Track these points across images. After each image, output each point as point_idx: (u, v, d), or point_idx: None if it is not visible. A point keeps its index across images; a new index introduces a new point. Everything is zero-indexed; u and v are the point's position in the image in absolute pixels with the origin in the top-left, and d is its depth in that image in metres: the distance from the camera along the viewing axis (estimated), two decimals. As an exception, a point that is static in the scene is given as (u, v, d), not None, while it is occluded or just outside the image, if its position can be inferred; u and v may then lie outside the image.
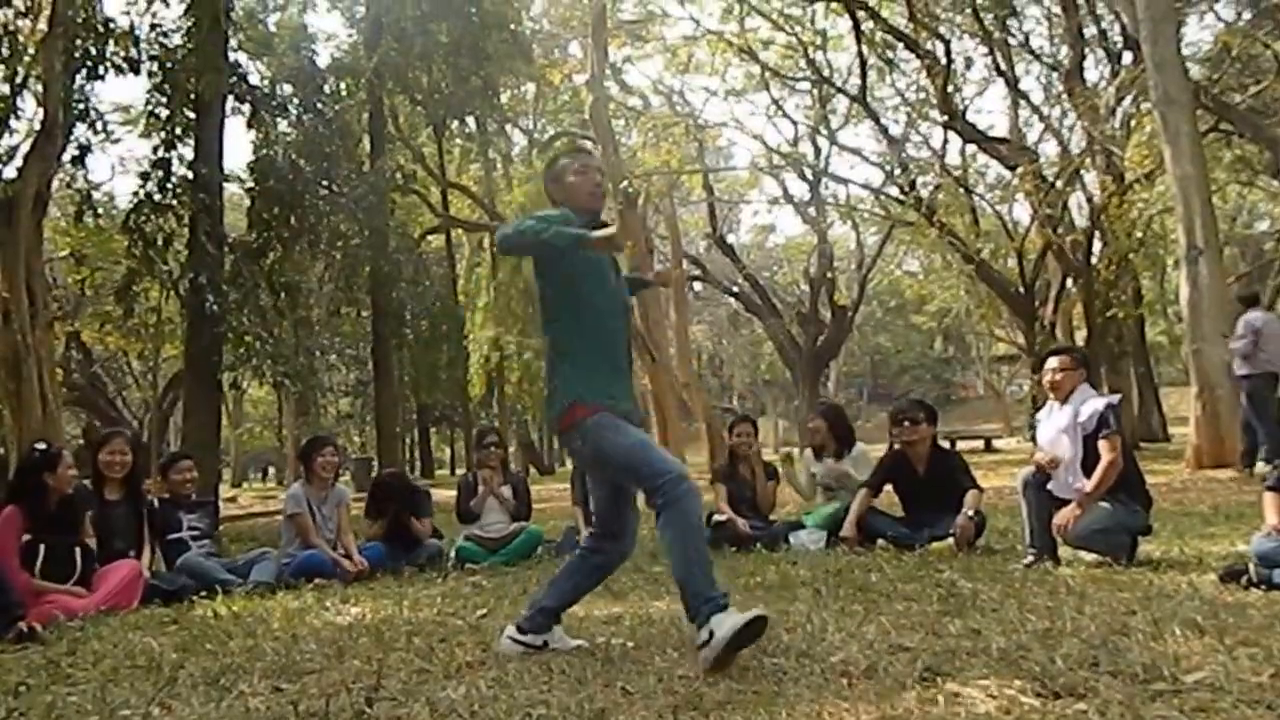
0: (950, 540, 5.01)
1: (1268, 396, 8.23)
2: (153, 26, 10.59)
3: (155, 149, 10.69)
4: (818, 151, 24.22)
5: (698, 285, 28.01)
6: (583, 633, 3.25)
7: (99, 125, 10.48)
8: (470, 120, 23.48)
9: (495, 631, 3.20)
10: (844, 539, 5.31)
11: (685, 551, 2.73)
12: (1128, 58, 15.61)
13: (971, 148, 19.31)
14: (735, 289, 25.99)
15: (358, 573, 5.24)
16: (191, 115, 10.77)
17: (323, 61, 17.42)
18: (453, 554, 5.81)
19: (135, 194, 10.60)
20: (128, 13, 10.63)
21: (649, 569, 4.71)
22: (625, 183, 13.49)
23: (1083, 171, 16.36)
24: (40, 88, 9.75)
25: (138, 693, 2.73)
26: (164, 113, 10.65)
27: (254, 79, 12.93)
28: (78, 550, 4.53)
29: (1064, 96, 17.30)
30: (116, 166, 23.64)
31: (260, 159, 11.90)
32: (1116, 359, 17.49)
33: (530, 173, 24.45)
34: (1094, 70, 18.10)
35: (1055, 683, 2.32)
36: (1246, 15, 16.64)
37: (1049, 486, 4.44)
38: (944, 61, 16.36)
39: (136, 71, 10.42)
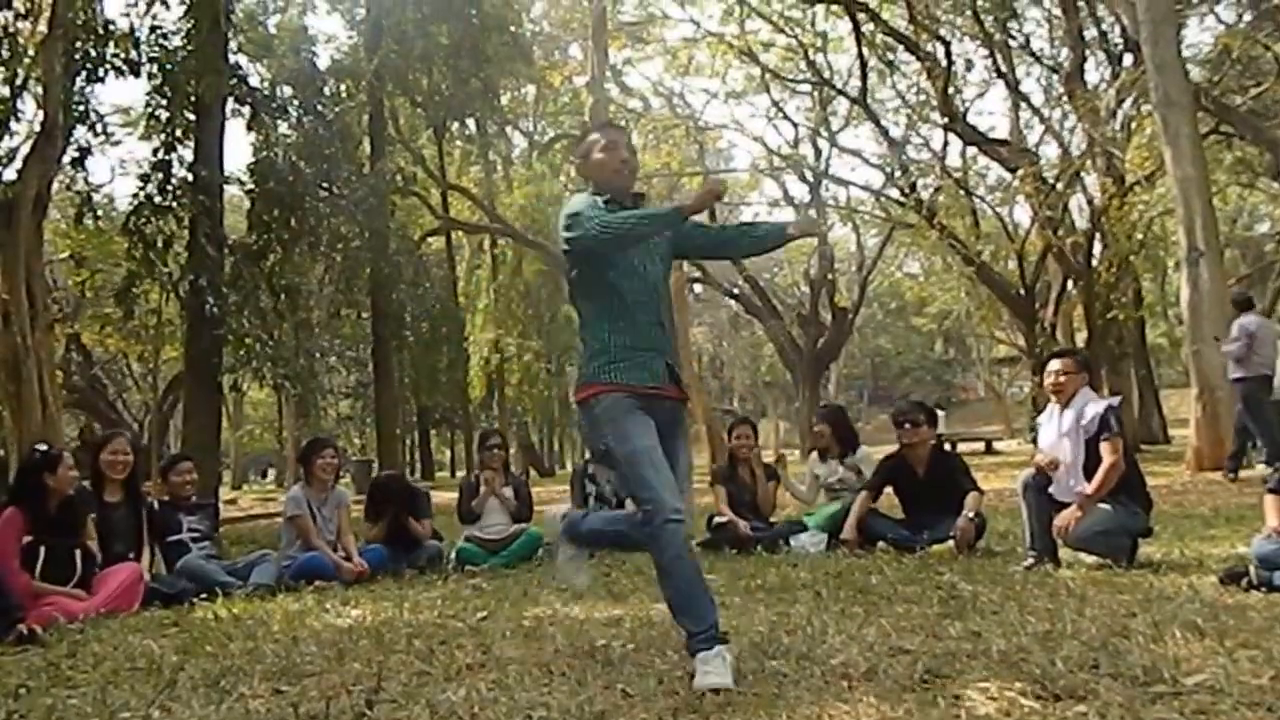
0: (950, 542, 5.01)
1: (1262, 400, 8.23)
2: (153, 28, 10.57)
3: (155, 151, 10.68)
4: (818, 153, 24.20)
5: (698, 287, 28.00)
6: (583, 635, 3.25)
7: (99, 127, 10.44)
8: (470, 122, 23.52)
9: (495, 634, 3.19)
10: (844, 541, 5.31)
11: (665, 590, 2.72)
12: (1128, 60, 15.59)
13: (972, 150, 19.31)
14: (735, 291, 25.96)
15: (358, 575, 5.23)
16: (191, 117, 10.76)
17: (323, 63, 17.43)
18: (453, 555, 5.80)
19: (135, 196, 10.59)
20: (128, 15, 10.62)
21: (649, 570, 4.70)
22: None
23: (1083, 173, 16.34)
24: (40, 90, 9.72)
25: (138, 695, 2.73)
26: (164, 115, 10.63)
27: (254, 81, 12.89)
28: (78, 553, 4.52)
29: (1064, 98, 17.29)
30: (116, 169, 23.47)
31: (260, 161, 11.88)
32: (1117, 361, 17.45)
33: (530, 174, 24.51)
34: (1094, 72, 18.14)
35: (1055, 685, 2.32)
36: (1247, 17, 16.63)
37: (1049, 489, 4.44)
38: (944, 63, 16.34)
39: (136, 74, 10.40)
